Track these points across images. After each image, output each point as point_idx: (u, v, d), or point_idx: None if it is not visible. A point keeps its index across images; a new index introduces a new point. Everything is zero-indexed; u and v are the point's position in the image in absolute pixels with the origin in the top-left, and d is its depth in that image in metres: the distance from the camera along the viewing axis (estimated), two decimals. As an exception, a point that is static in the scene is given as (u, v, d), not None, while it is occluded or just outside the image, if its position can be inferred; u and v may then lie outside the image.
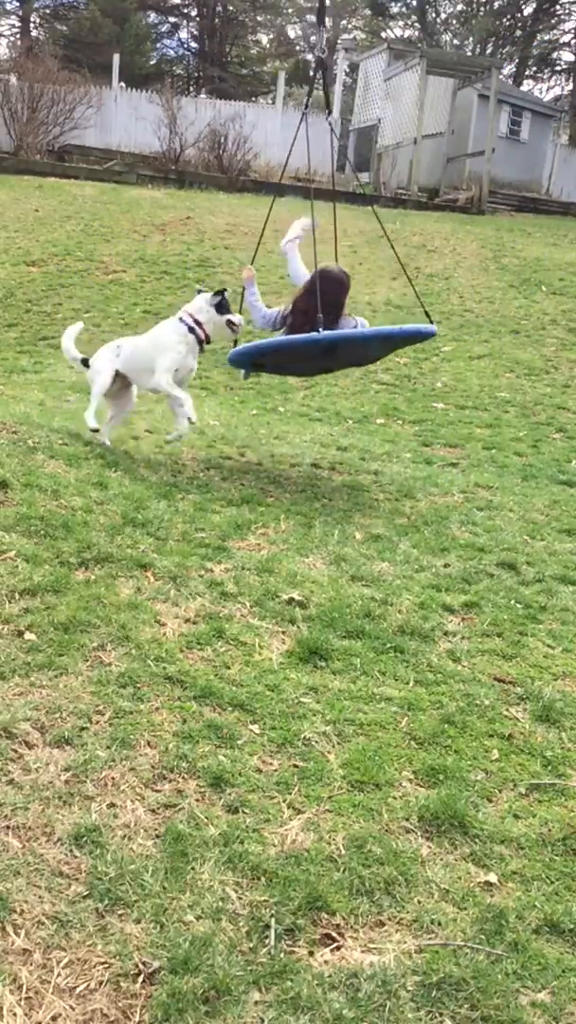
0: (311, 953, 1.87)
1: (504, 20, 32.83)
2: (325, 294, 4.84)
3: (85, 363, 5.15)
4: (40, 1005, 1.70)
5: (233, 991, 1.75)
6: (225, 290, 5.02)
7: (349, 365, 6.61)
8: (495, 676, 3.07)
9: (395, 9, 35.72)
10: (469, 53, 30.34)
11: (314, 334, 4.71)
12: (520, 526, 4.60)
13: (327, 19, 37.19)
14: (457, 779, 2.46)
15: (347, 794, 2.36)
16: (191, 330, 4.90)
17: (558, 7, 31.91)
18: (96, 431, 4.93)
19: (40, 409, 5.85)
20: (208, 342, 5.00)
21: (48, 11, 31.55)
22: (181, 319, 4.94)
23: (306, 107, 5.73)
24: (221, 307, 4.94)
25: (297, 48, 36.81)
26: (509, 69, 31.93)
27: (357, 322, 5.28)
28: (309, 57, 36.99)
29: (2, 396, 6.46)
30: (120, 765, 2.35)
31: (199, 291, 5.08)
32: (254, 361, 5.30)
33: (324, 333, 4.68)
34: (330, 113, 5.68)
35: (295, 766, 2.45)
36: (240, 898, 1.98)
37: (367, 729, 2.66)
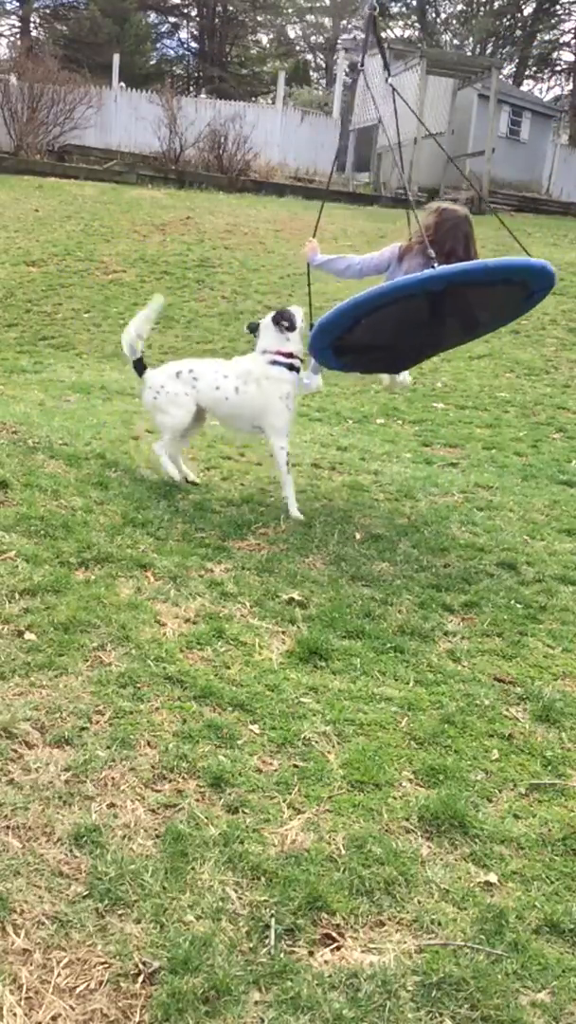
0: (311, 953, 1.87)
1: (504, 20, 32.86)
2: (441, 228, 4.11)
3: (140, 367, 4.56)
4: (40, 1005, 1.70)
5: (233, 991, 1.75)
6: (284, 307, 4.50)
7: (454, 340, 5.20)
8: (495, 676, 3.07)
9: (395, 9, 35.76)
10: (469, 53, 30.35)
11: (425, 272, 3.81)
12: (520, 526, 4.60)
13: (327, 19, 37.26)
14: (457, 779, 2.46)
15: (347, 794, 2.36)
16: (291, 368, 4.36)
17: (558, 7, 31.94)
18: (193, 483, 4.47)
19: (40, 409, 5.85)
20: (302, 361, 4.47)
21: (48, 11, 31.59)
22: (276, 361, 4.34)
23: (362, 64, 5.23)
24: (291, 323, 4.37)
25: (297, 48, 36.83)
26: (509, 69, 31.98)
27: None
28: (309, 57, 37.00)
29: (2, 396, 6.46)
30: (120, 765, 2.35)
31: (253, 326, 4.53)
32: (338, 343, 4.31)
33: (439, 269, 3.80)
34: (389, 75, 5.22)
35: (295, 766, 2.45)
36: (240, 898, 1.98)
37: (367, 729, 2.66)
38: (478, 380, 8.58)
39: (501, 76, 22.11)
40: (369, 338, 4.38)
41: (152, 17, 33.43)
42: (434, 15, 35.30)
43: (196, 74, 34.81)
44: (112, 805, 2.21)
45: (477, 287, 4.11)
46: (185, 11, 34.88)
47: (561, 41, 33.56)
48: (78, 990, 1.74)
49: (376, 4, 5.47)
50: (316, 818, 2.26)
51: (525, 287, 4.26)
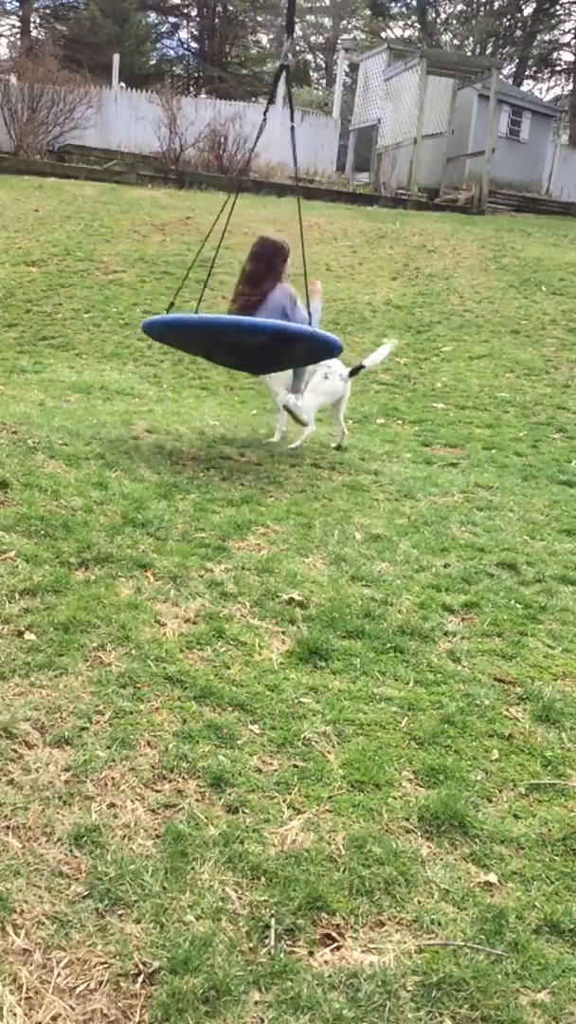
0: (311, 953, 1.87)
1: (504, 20, 32.85)
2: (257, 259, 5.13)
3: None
4: (40, 1005, 1.70)
5: (233, 991, 1.75)
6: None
7: (255, 368, 6.12)
8: (495, 676, 3.07)
9: (395, 9, 35.75)
10: (469, 53, 30.34)
11: (223, 319, 4.89)
12: (520, 526, 4.60)
13: (327, 20, 37.24)
14: (457, 779, 2.46)
15: (347, 794, 2.36)
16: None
17: (558, 7, 31.92)
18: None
19: (40, 409, 5.85)
20: None
21: (48, 11, 31.54)
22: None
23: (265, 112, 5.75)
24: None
25: (297, 48, 36.77)
26: (509, 69, 31.96)
27: (295, 309, 5.17)
28: (309, 57, 37.00)
29: (2, 396, 6.46)
30: (120, 765, 2.35)
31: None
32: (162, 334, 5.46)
33: (224, 318, 4.84)
34: (293, 123, 5.60)
35: (295, 766, 2.45)
36: (240, 898, 1.98)
37: (367, 729, 2.66)
38: (478, 380, 8.58)
39: (501, 76, 22.11)
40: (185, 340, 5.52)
41: (152, 17, 33.38)
42: (434, 15, 35.27)
43: (196, 74, 34.79)
44: (112, 805, 2.21)
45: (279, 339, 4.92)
46: (185, 11, 34.84)
47: (561, 41, 33.56)
48: (78, 990, 1.74)
49: (289, 56, 6.07)
50: (316, 818, 2.26)
51: (319, 351, 5.19)
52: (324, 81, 34.41)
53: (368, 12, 35.62)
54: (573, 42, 33.23)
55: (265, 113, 5.67)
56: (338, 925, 1.95)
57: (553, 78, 35.48)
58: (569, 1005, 1.81)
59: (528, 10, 32.32)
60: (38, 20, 31.36)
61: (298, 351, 5.16)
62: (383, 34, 34.65)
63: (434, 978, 1.83)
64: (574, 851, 2.25)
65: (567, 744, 2.72)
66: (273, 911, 1.95)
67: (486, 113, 17.66)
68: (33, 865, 1.99)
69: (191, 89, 32.27)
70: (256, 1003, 1.74)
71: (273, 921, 1.92)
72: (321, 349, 5.12)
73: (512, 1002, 1.80)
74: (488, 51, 32.04)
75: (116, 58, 19.84)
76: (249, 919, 1.93)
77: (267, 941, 1.88)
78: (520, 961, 1.89)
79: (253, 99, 28.21)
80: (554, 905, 2.06)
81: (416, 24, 35.21)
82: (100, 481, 4.29)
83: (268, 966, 1.82)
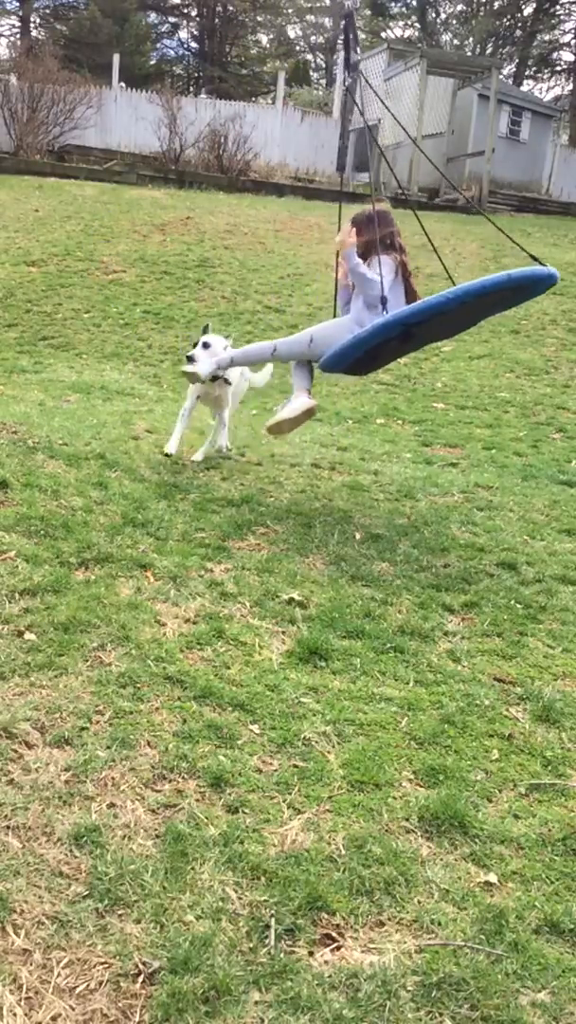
0: (311, 953, 1.87)
1: (504, 20, 32.86)
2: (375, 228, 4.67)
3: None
4: (40, 1005, 1.70)
5: (233, 991, 1.75)
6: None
7: (452, 335, 5.79)
8: (495, 676, 3.07)
9: (395, 9, 35.77)
10: (469, 53, 30.35)
11: (453, 290, 4.07)
12: (520, 526, 4.60)
13: (327, 20, 37.25)
14: (457, 779, 2.46)
15: (347, 794, 2.36)
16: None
17: (558, 7, 31.94)
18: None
19: (40, 409, 5.85)
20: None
21: (48, 11, 31.57)
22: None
23: (348, 68, 5.07)
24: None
25: (297, 48, 36.81)
26: (509, 69, 31.96)
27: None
28: (309, 57, 37.01)
29: (2, 396, 6.46)
30: (120, 765, 2.35)
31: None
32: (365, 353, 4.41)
33: (465, 286, 4.07)
34: (347, 76, 5.25)
35: (295, 766, 2.45)
36: (240, 898, 1.98)
37: (367, 729, 2.66)
38: (478, 380, 8.57)
39: (501, 76, 22.10)
40: (394, 347, 4.63)
41: (152, 17, 33.40)
42: (434, 15, 35.31)
43: (196, 74, 34.81)
44: (112, 805, 2.21)
45: (492, 295, 4.32)
46: (185, 11, 34.85)
47: (561, 41, 33.59)
48: (78, 990, 1.74)
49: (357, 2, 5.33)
50: (316, 818, 2.26)
51: (530, 291, 4.51)
52: (324, 81, 34.42)
53: (368, 12, 35.60)
54: (573, 42, 33.28)
55: (350, 62, 5.08)
56: (338, 925, 1.95)
57: (553, 78, 35.53)
58: (569, 1005, 1.81)
59: (528, 10, 32.35)
60: (38, 20, 31.38)
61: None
62: (383, 34, 34.67)
63: (434, 978, 1.82)
64: (574, 851, 2.25)
65: (567, 744, 2.72)
66: (273, 911, 1.95)
67: (486, 113, 17.66)
68: (33, 865, 1.99)
69: (191, 89, 32.31)
70: (256, 1003, 1.74)
71: (273, 921, 1.92)
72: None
73: (512, 1002, 1.80)
74: (488, 51, 32.05)
75: (116, 58, 19.86)
76: (249, 919, 1.93)
77: (267, 941, 1.88)
78: (520, 961, 1.89)
79: (253, 99, 28.23)
80: (554, 905, 2.06)
81: (416, 24, 35.26)
82: (100, 481, 4.29)
83: (268, 966, 1.82)
